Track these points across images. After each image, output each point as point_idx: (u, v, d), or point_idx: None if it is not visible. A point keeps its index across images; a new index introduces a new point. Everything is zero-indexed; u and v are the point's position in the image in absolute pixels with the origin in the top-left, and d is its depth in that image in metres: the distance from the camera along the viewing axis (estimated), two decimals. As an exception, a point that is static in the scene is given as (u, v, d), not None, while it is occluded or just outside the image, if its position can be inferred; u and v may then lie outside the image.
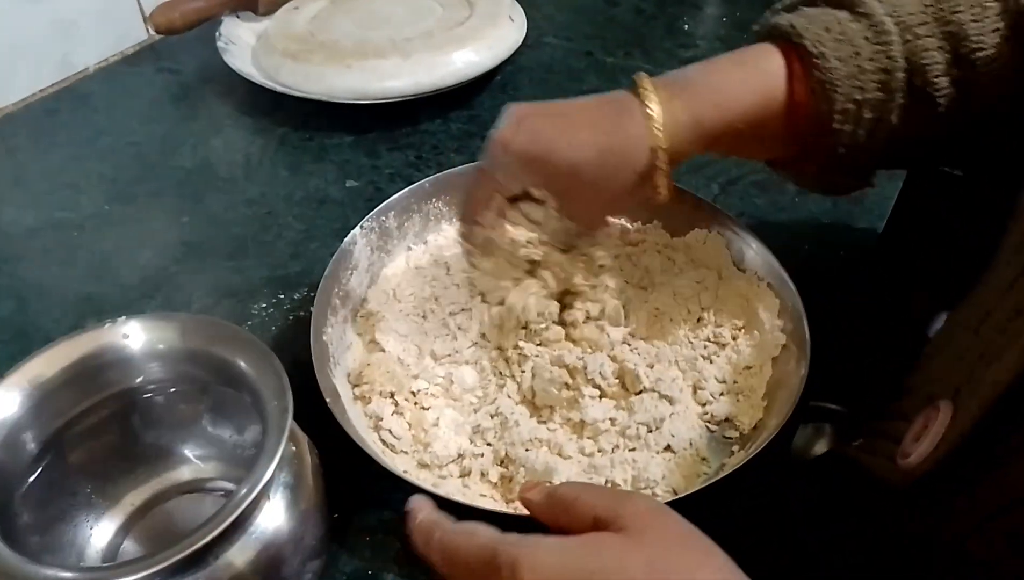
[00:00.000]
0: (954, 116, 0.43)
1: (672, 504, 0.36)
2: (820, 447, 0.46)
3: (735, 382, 0.48)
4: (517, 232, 0.46)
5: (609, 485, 0.42)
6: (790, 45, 0.43)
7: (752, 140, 0.45)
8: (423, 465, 0.44)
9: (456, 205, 0.56)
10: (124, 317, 0.36)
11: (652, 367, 0.47)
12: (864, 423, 0.41)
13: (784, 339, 0.48)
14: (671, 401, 0.46)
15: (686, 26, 0.89)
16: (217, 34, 0.77)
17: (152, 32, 0.82)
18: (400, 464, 0.43)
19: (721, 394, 0.47)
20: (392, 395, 0.46)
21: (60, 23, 0.75)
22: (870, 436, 0.39)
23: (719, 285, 0.52)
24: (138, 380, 0.37)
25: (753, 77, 0.43)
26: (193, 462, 0.42)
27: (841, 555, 0.38)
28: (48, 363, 0.34)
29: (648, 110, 0.42)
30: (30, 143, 0.71)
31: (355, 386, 0.47)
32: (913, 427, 0.34)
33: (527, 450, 0.43)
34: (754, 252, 0.52)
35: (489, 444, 0.45)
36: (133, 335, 0.36)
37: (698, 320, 0.51)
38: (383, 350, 0.48)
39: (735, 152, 0.48)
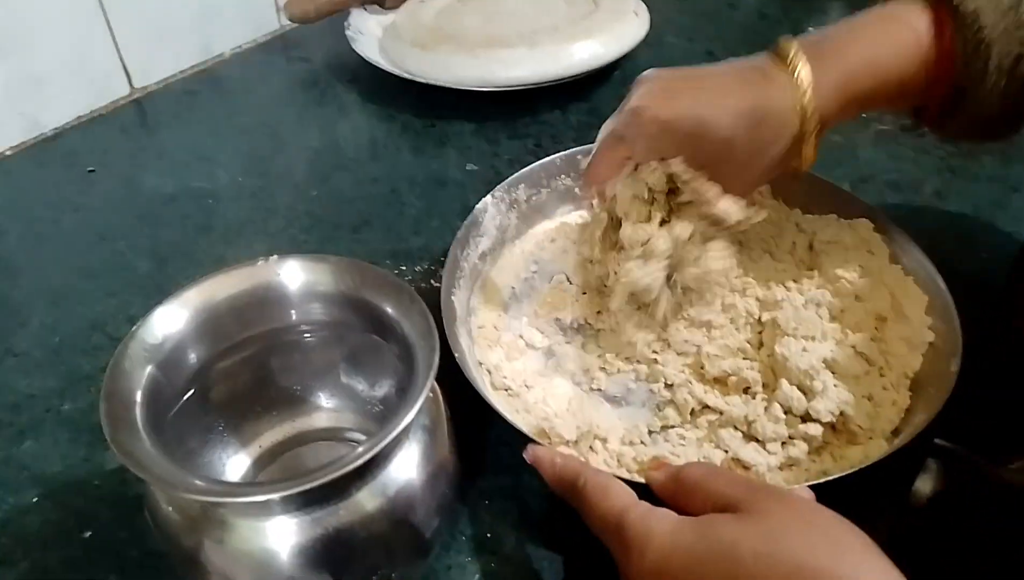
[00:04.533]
0: None
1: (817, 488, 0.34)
2: (924, 485, 0.42)
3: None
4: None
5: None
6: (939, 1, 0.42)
7: (898, 97, 0.44)
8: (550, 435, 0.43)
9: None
10: (277, 256, 0.37)
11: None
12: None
13: (932, 336, 0.45)
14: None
15: (811, 30, 0.87)
16: (346, 24, 0.80)
17: (284, 22, 0.86)
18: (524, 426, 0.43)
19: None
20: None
21: (204, 12, 0.80)
22: None
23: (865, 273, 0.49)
24: (291, 319, 0.37)
25: (902, 35, 0.42)
26: (325, 410, 0.42)
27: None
28: (218, 287, 0.35)
29: (797, 73, 0.41)
30: (171, 119, 0.75)
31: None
32: None
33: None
34: (900, 246, 0.49)
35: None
36: (288, 273, 0.36)
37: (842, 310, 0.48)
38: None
39: (877, 108, 0.47)
